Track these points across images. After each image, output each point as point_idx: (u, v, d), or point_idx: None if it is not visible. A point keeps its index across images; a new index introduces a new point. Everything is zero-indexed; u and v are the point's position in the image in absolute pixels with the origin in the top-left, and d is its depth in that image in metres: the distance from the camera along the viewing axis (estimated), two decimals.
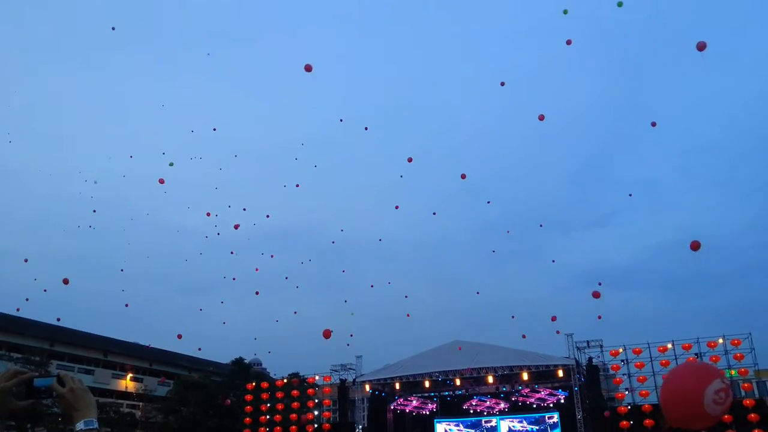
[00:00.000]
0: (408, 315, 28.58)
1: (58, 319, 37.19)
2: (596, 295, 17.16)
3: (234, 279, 41.88)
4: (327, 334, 28.21)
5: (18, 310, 37.35)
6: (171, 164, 34.35)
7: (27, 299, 35.94)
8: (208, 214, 29.18)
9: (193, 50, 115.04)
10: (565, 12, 29.00)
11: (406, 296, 52.17)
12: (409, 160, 30.38)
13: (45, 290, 37.04)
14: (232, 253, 34.26)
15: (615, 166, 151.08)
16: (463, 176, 30.57)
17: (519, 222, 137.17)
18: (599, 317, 35.15)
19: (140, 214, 77.96)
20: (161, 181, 29.38)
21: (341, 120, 27.19)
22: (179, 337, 36.84)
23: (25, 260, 30.73)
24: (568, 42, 26.63)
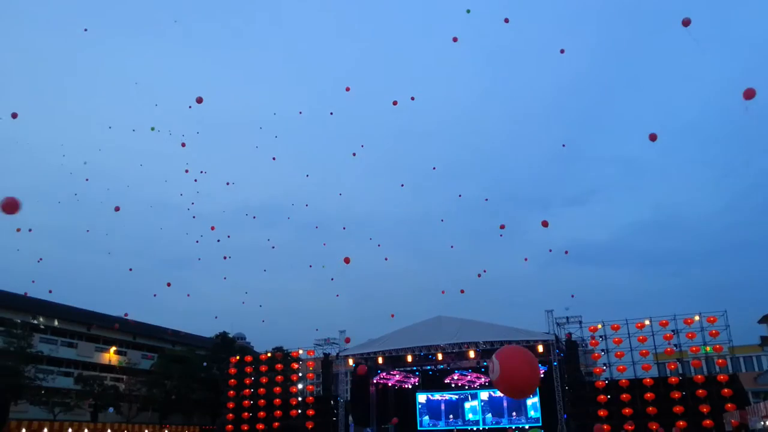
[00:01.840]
0: (392, 315, 29.67)
1: (50, 292, 36.98)
2: (653, 137, 17.37)
3: (200, 260, 41.69)
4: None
5: (26, 294, 36.94)
6: (152, 128, 33.62)
7: (33, 281, 35.61)
8: (187, 171, 28.64)
9: (162, 18, 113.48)
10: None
11: (386, 258, 52.58)
12: (354, 154, 30.30)
13: (40, 259, 36.57)
14: (212, 228, 34.09)
15: (595, 144, 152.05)
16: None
17: (499, 199, 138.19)
18: (572, 296, 35.94)
19: (119, 187, 77.30)
20: (183, 145, 28.05)
21: (347, 89, 26.54)
22: (126, 315, 37.23)
23: (18, 230, 30.34)
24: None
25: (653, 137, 17.29)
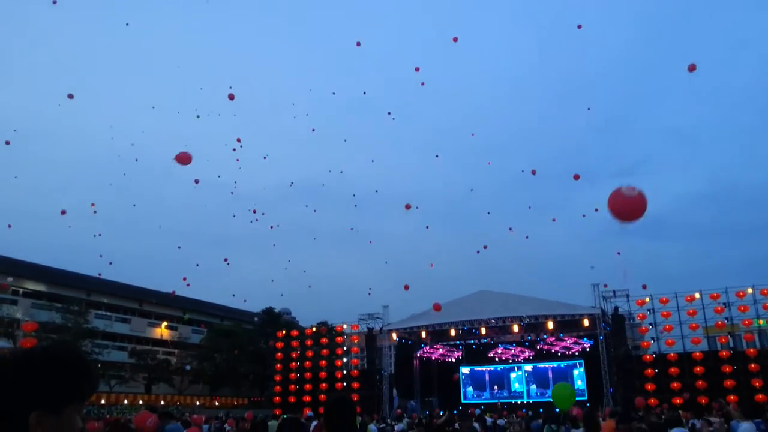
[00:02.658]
0: (432, 265, 28.40)
1: (99, 275, 38.25)
2: (692, 68, 16.99)
3: (272, 227, 42.14)
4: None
5: (100, 275, 38.29)
6: (198, 116, 34.51)
7: (111, 263, 36.79)
8: (236, 148, 29.00)
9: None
10: None
11: (427, 226, 52.49)
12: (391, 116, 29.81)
13: (98, 234, 37.47)
14: (254, 211, 34.56)
15: (646, 115, 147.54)
16: None
17: (548, 174, 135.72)
18: (625, 272, 35.25)
19: (163, 169, 78.90)
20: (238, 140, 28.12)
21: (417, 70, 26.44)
22: (185, 279, 37.80)
23: (63, 212, 31.34)
24: None
25: (692, 68, 16.56)
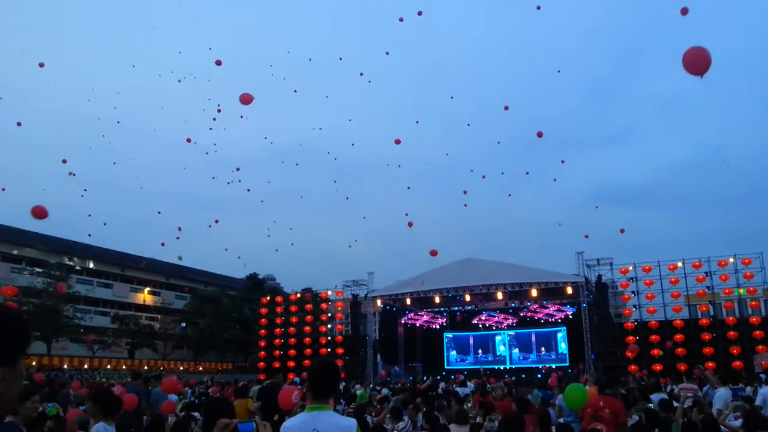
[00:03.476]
0: (410, 224, 27.69)
1: (90, 236, 37.73)
2: (684, 11, 16.62)
3: (249, 190, 41.72)
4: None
5: (90, 235, 37.74)
6: (179, 81, 33.82)
7: (105, 223, 36.14)
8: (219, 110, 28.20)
9: None
10: None
11: (408, 187, 52.51)
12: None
13: (84, 191, 36.70)
14: (238, 170, 33.90)
15: (634, 82, 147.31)
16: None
17: (533, 140, 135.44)
18: (622, 231, 35.34)
19: (145, 130, 77.53)
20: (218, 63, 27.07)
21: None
22: (163, 245, 37.36)
23: (71, 173, 30.84)
24: None
25: (684, 11, 16.16)
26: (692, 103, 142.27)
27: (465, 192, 33.93)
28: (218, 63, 25.04)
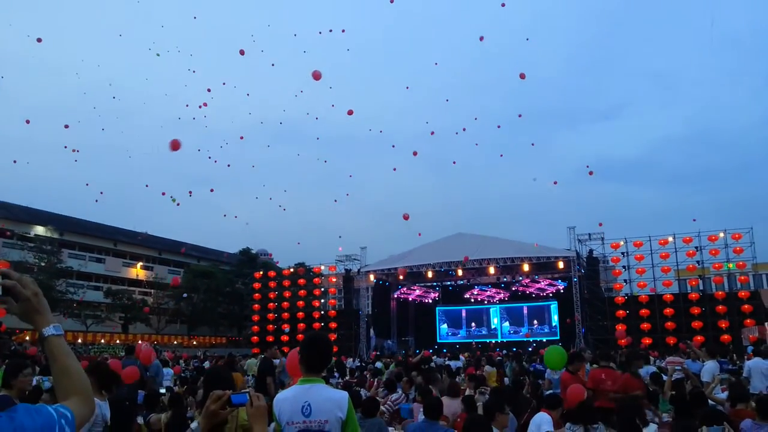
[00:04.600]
0: (406, 217, 27.51)
1: (96, 200, 37.47)
2: None
3: (229, 165, 41.62)
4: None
5: (97, 200, 37.43)
6: (158, 54, 33.10)
7: (102, 192, 35.72)
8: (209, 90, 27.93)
9: None
10: None
11: (394, 169, 52.36)
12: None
13: (76, 150, 36.22)
14: (241, 138, 33.55)
15: (626, 56, 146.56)
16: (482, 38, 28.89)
17: (524, 113, 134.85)
18: (589, 171, 35.08)
19: (136, 104, 76.56)
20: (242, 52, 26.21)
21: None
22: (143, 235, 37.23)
23: (74, 150, 30.56)
24: None
25: None
26: (684, 78, 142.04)
27: (454, 162, 33.91)
28: (242, 53, 24.31)
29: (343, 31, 26.64)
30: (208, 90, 27.32)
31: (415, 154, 27.54)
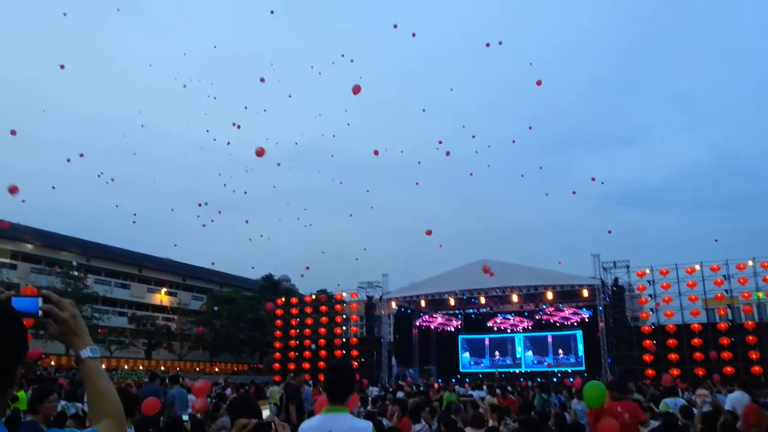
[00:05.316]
0: (429, 233, 27.25)
1: (135, 215, 37.98)
2: None
3: (246, 192, 42.02)
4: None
5: (128, 212, 38.20)
6: (184, 86, 33.78)
7: (135, 214, 36.26)
8: (237, 126, 28.42)
9: None
10: None
11: (417, 183, 52.17)
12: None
13: (101, 180, 36.91)
14: (260, 151, 34.01)
15: (650, 79, 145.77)
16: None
17: (547, 138, 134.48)
18: (609, 232, 34.92)
19: (159, 130, 77.79)
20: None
21: (395, 26, 24.82)
22: (176, 246, 37.76)
23: (112, 179, 31.36)
24: None
25: None
26: (709, 102, 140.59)
27: (471, 174, 34.00)
28: (261, 81, 24.70)
29: (352, 61, 27.19)
30: (237, 127, 27.77)
31: (417, 184, 27.88)
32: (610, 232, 34.11)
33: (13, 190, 17.03)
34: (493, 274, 30.24)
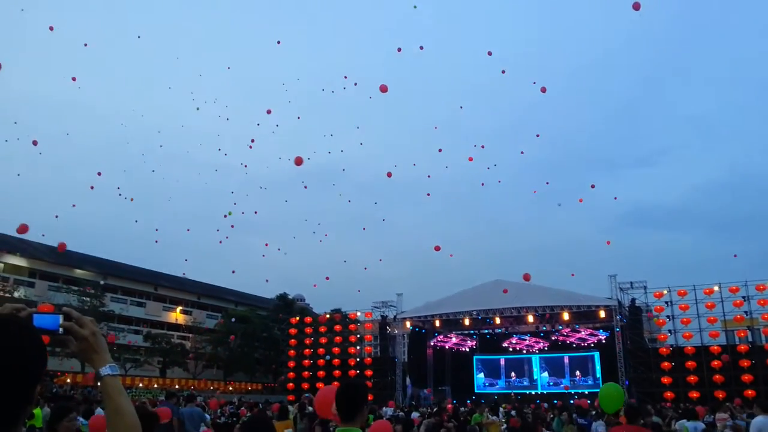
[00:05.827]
0: (438, 248, 27.08)
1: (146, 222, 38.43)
2: (636, 6, 15.73)
3: (256, 212, 42.24)
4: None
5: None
6: (198, 109, 34.40)
7: (157, 229, 36.91)
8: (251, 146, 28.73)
9: None
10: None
11: (428, 194, 52.05)
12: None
13: (120, 198, 37.64)
14: (261, 188, 34.43)
15: (666, 101, 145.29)
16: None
17: (563, 159, 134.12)
18: (608, 243, 34.43)
19: (175, 151, 78.65)
20: None
21: (399, 50, 24.96)
22: (186, 260, 38.14)
23: (131, 199, 32.00)
24: None
25: (637, 6, 15.59)
26: (726, 123, 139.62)
27: (483, 184, 33.99)
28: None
29: (356, 84, 27.24)
30: (252, 141, 28.08)
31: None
32: (608, 242, 33.52)
33: (22, 229, 18.01)
34: (506, 291, 29.93)
